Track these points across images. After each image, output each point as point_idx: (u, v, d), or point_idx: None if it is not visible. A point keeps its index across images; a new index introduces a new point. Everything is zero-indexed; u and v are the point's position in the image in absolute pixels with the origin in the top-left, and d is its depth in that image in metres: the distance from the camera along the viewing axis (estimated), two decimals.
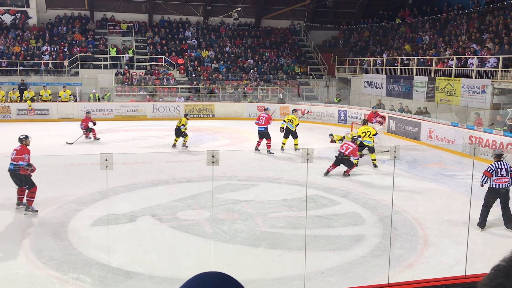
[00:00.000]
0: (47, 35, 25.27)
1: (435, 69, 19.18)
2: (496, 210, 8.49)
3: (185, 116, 15.55)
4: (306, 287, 4.91)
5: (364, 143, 12.84)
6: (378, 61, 23.37)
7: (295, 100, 24.54)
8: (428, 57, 20.33)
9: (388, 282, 4.87)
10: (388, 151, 13.80)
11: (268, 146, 14.37)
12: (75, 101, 21.65)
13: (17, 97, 20.71)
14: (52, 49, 24.53)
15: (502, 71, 16.00)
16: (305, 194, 9.52)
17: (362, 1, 27.73)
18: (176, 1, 27.06)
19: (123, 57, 25.21)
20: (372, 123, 15.60)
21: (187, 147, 14.83)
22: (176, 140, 14.95)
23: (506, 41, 17.39)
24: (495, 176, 8.27)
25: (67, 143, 15.00)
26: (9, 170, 8.60)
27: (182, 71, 25.49)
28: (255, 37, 28.84)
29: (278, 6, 28.80)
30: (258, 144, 14.49)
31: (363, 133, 13.17)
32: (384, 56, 23.29)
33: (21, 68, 23.09)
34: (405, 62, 21.46)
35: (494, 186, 8.30)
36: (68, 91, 21.57)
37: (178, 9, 27.52)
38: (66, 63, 23.61)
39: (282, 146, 14.62)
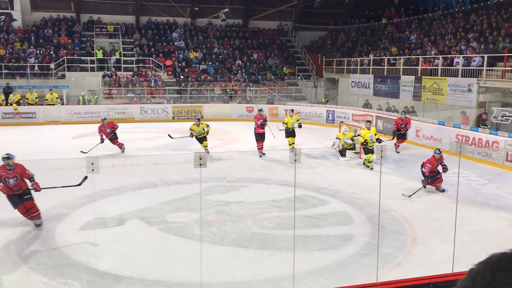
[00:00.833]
0: (32, 37, 25.02)
1: (421, 69, 19.34)
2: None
3: (198, 121, 14.48)
4: (295, 287, 4.92)
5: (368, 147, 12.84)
6: (365, 61, 23.51)
7: (283, 100, 24.58)
8: (414, 56, 20.49)
9: (377, 281, 4.90)
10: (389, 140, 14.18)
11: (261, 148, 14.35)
12: (62, 104, 21.47)
13: (2, 100, 20.47)
14: (38, 51, 24.29)
15: (487, 69, 16.19)
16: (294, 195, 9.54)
17: (348, 2, 27.86)
18: (163, 2, 26.95)
19: (110, 59, 25.06)
20: (401, 131, 15.17)
21: (208, 152, 14.03)
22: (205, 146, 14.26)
23: (491, 40, 17.59)
24: None
25: (81, 152, 13.70)
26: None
27: (170, 72, 25.41)
28: (243, 38, 28.85)
29: (266, 7, 28.83)
30: (261, 147, 14.36)
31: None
32: (371, 56, 23.44)
33: (6, 71, 22.83)
34: (391, 62, 21.62)
35: None
36: (55, 94, 21.38)
37: (165, 10, 27.42)
38: (52, 66, 23.39)
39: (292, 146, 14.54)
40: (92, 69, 24.31)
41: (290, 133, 14.70)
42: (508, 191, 11.02)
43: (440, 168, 10.50)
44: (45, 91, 21.85)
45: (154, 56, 25.70)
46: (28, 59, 23.63)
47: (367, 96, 21.96)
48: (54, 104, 21.08)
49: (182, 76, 25.13)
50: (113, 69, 24.54)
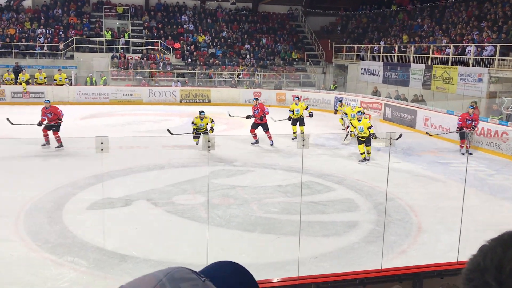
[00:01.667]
0: (42, 17, 24.99)
1: (432, 57, 19.15)
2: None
3: (202, 114, 12.85)
4: (300, 271, 4.95)
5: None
6: (375, 48, 23.30)
7: (291, 86, 24.48)
8: (425, 45, 20.28)
9: (381, 268, 4.91)
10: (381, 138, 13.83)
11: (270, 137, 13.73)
12: (71, 84, 21.50)
13: (12, 79, 20.54)
14: (47, 31, 24.28)
15: (499, 59, 16.00)
16: (300, 180, 9.55)
17: None
18: None
19: (119, 40, 25.00)
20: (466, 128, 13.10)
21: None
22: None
23: (505, 29, 17.35)
24: None
25: (7, 119, 12.51)
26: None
27: (178, 55, 25.33)
28: (252, 22, 28.64)
29: None
30: (270, 136, 13.71)
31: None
32: (382, 43, 23.21)
33: (16, 50, 22.86)
34: (402, 49, 21.41)
35: None
36: (63, 75, 21.41)
37: None
38: (61, 46, 23.39)
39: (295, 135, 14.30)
40: (101, 50, 24.29)
41: (295, 120, 14.36)
42: None
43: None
44: (53, 71, 21.89)
45: (163, 38, 25.61)
46: (37, 39, 23.64)
47: (376, 83, 21.80)
48: (62, 85, 21.12)
49: (190, 60, 25.05)
50: (122, 50, 24.50)
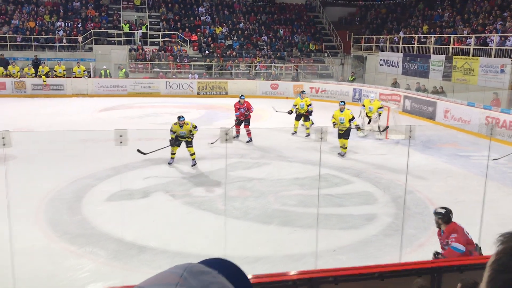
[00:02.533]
0: (61, 10, 25.22)
1: (452, 48, 18.80)
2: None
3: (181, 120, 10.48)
4: (317, 264, 4.93)
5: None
6: (394, 39, 22.97)
7: (309, 78, 24.32)
8: (446, 35, 19.91)
9: (400, 261, 4.86)
10: (383, 129, 13.57)
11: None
12: (89, 77, 21.71)
13: (32, 73, 20.82)
14: (66, 24, 24.51)
15: None
16: (317, 173, 9.49)
17: None
18: None
19: (136, 33, 25.12)
20: None
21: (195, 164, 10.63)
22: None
23: None
24: None
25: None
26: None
27: (195, 47, 25.35)
28: (270, 14, 28.48)
29: None
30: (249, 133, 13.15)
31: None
32: (401, 34, 22.87)
33: (36, 43, 23.14)
34: (422, 40, 21.07)
35: None
36: (82, 67, 21.62)
37: None
38: (80, 38, 23.61)
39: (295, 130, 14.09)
40: (119, 43, 24.43)
41: (299, 116, 13.98)
42: None
43: None
44: (72, 64, 22.11)
45: (180, 30, 25.64)
46: (56, 32, 23.88)
47: (395, 75, 21.53)
48: (81, 77, 21.34)
49: (207, 52, 25.06)
50: (140, 43, 24.62)
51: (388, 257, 6.31)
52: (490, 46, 17.01)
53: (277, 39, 26.81)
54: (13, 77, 20.53)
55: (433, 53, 19.76)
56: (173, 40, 25.28)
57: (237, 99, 13.61)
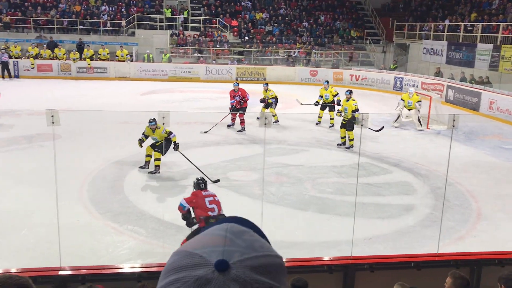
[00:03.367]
0: None
1: (501, 36, 18.07)
2: None
3: (153, 124, 8.99)
4: (353, 252, 4.93)
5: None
6: (439, 26, 22.28)
7: (349, 65, 23.96)
8: (494, 23, 19.14)
9: (437, 252, 4.81)
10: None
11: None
12: (131, 61, 22.15)
13: (77, 58, 21.40)
14: (110, 8, 25.01)
15: None
16: (355, 161, 9.42)
17: None
18: None
19: (178, 18, 25.37)
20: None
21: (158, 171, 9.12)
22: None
23: None
24: None
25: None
26: None
27: (235, 33, 25.38)
28: None
29: None
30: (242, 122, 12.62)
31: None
32: (446, 22, 22.15)
33: (81, 27, 23.75)
34: (468, 28, 20.34)
35: None
36: (125, 51, 22.06)
37: None
38: (123, 23, 24.05)
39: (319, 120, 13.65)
40: (161, 28, 24.75)
41: (324, 106, 13.50)
42: None
43: None
44: (116, 47, 22.59)
45: (221, 16, 25.72)
46: (101, 16, 24.42)
47: (439, 64, 20.92)
48: (124, 61, 21.80)
49: (247, 38, 25.05)
50: (181, 28, 24.87)
51: (425, 249, 6.22)
52: None
53: (317, 26, 26.48)
54: (59, 59, 21.20)
55: (479, 42, 19.07)
56: (214, 25, 25.40)
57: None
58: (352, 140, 11.11)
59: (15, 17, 23.25)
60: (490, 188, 8.91)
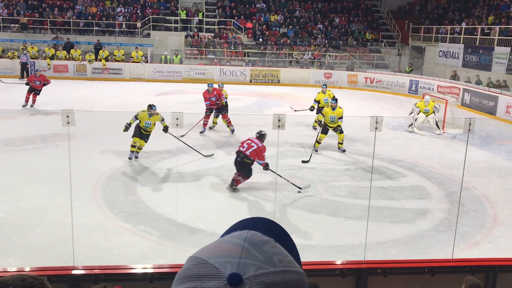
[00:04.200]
0: None
1: None
2: None
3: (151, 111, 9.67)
4: (366, 256, 4.89)
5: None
6: (456, 29, 22.04)
7: (364, 68, 23.82)
8: None
9: (452, 258, 4.74)
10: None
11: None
12: (146, 62, 22.30)
13: (92, 59, 21.61)
14: (126, 10, 25.22)
15: None
16: (369, 165, 9.36)
17: None
18: None
19: (193, 19, 25.48)
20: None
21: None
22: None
23: None
24: None
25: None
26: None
27: (250, 35, 25.41)
28: (326, 1, 28.02)
29: None
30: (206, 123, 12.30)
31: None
32: (463, 25, 21.91)
33: (97, 28, 23.99)
34: (485, 31, 20.10)
35: None
36: (140, 52, 22.22)
37: None
38: (138, 24, 24.24)
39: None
40: (176, 29, 24.89)
41: (321, 109, 12.75)
42: None
43: None
44: (131, 48, 22.77)
45: (235, 18, 25.77)
46: (117, 17, 24.64)
47: (455, 67, 20.69)
48: (139, 62, 21.96)
49: (261, 39, 25.06)
50: (196, 29, 24.97)
51: (439, 254, 6.14)
52: None
53: (332, 28, 26.40)
54: (75, 60, 21.43)
55: (497, 45, 18.82)
56: (228, 27, 25.46)
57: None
58: (320, 143, 10.98)
59: (33, 18, 23.57)
60: (506, 193, 8.77)
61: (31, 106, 14.52)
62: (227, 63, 23.46)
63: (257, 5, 27.00)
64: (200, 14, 25.73)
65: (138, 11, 25.33)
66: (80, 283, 4.35)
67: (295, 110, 14.09)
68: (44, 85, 14.67)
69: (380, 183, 8.93)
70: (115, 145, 10.75)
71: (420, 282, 4.55)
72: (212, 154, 9.65)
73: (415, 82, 20.41)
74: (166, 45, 23.93)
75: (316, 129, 13.17)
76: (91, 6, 25.03)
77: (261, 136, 8.36)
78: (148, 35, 24.41)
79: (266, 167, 8.28)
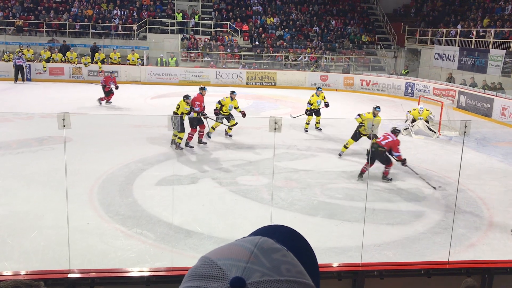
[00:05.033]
0: None
1: None
2: None
3: (232, 96, 12.05)
4: (362, 258, 4.89)
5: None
6: (451, 32, 22.14)
7: (360, 70, 23.89)
8: (507, 29, 18.98)
9: (448, 260, 4.74)
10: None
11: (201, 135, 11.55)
12: (142, 64, 22.28)
13: (88, 62, 21.57)
14: (122, 12, 25.21)
15: None
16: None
17: None
18: None
19: (189, 22, 25.49)
20: None
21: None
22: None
23: None
24: None
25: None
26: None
27: (246, 38, 25.44)
28: (322, 4, 28.10)
29: None
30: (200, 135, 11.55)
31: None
32: (459, 27, 22.01)
33: (93, 31, 23.96)
34: (481, 34, 20.19)
35: None
36: (136, 55, 22.21)
37: None
38: (135, 27, 24.22)
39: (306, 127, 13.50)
40: (172, 32, 24.89)
41: (314, 112, 13.39)
42: None
43: None
44: (127, 51, 22.75)
45: (232, 20, 25.80)
46: (113, 20, 24.62)
47: (450, 69, 20.78)
48: (135, 65, 21.94)
49: (257, 42, 25.08)
50: (192, 32, 24.98)
51: (436, 256, 6.16)
52: None
53: (328, 30, 26.46)
54: (71, 63, 21.39)
55: (492, 48, 18.91)
56: (224, 29, 25.48)
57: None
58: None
59: (28, 21, 23.52)
60: (502, 195, 8.81)
61: (110, 102, 15.89)
62: (224, 66, 23.47)
63: (253, 8, 27.05)
64: (196, 17, 25.75)
65: (134, 14, 25.32)
66: (76, 287, 4.33)
67: (294, 117, 14.21)
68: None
69: (377, 186, 8.95)
70: (111, 148, 10.73)
71: (416, 284, 4.56)
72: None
73: (411, 84, 20.48)
74: (162, 48, 23.92)
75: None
76: (87, 8, 25.00)
77: (395, 131, 9.21)
78: (144, 37, 24.40)
79: (403, 162, 9.01)
